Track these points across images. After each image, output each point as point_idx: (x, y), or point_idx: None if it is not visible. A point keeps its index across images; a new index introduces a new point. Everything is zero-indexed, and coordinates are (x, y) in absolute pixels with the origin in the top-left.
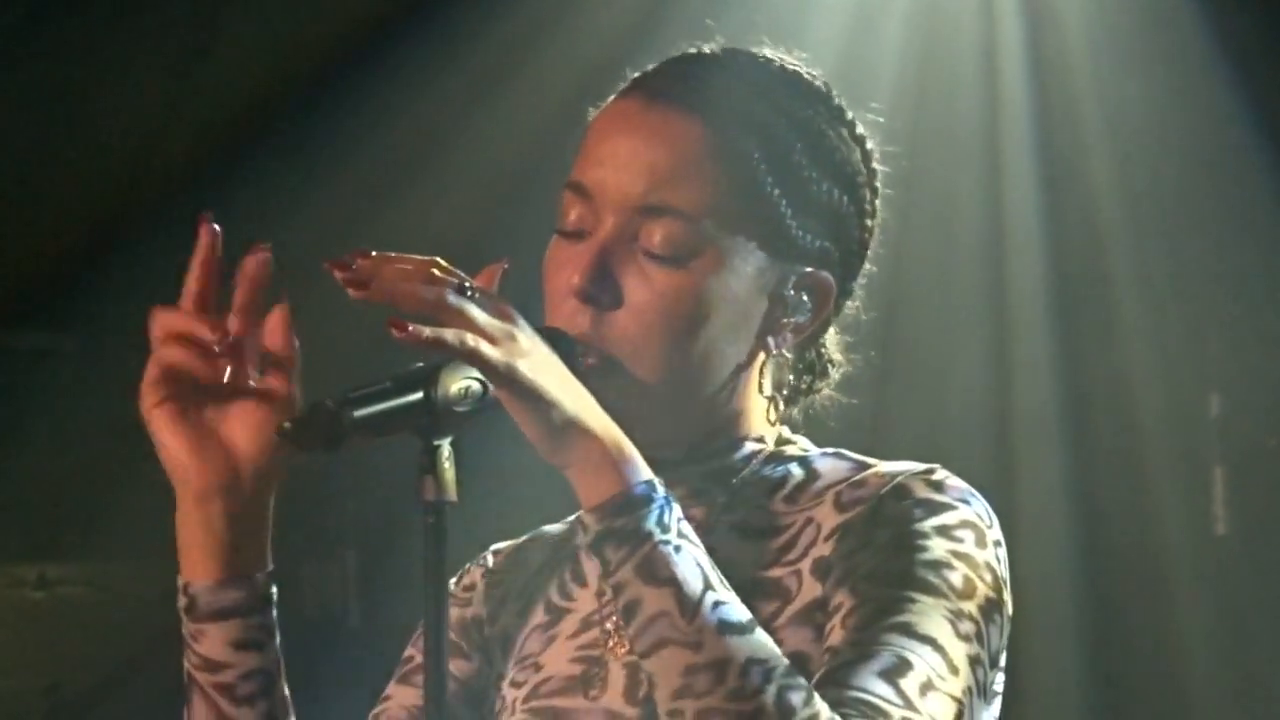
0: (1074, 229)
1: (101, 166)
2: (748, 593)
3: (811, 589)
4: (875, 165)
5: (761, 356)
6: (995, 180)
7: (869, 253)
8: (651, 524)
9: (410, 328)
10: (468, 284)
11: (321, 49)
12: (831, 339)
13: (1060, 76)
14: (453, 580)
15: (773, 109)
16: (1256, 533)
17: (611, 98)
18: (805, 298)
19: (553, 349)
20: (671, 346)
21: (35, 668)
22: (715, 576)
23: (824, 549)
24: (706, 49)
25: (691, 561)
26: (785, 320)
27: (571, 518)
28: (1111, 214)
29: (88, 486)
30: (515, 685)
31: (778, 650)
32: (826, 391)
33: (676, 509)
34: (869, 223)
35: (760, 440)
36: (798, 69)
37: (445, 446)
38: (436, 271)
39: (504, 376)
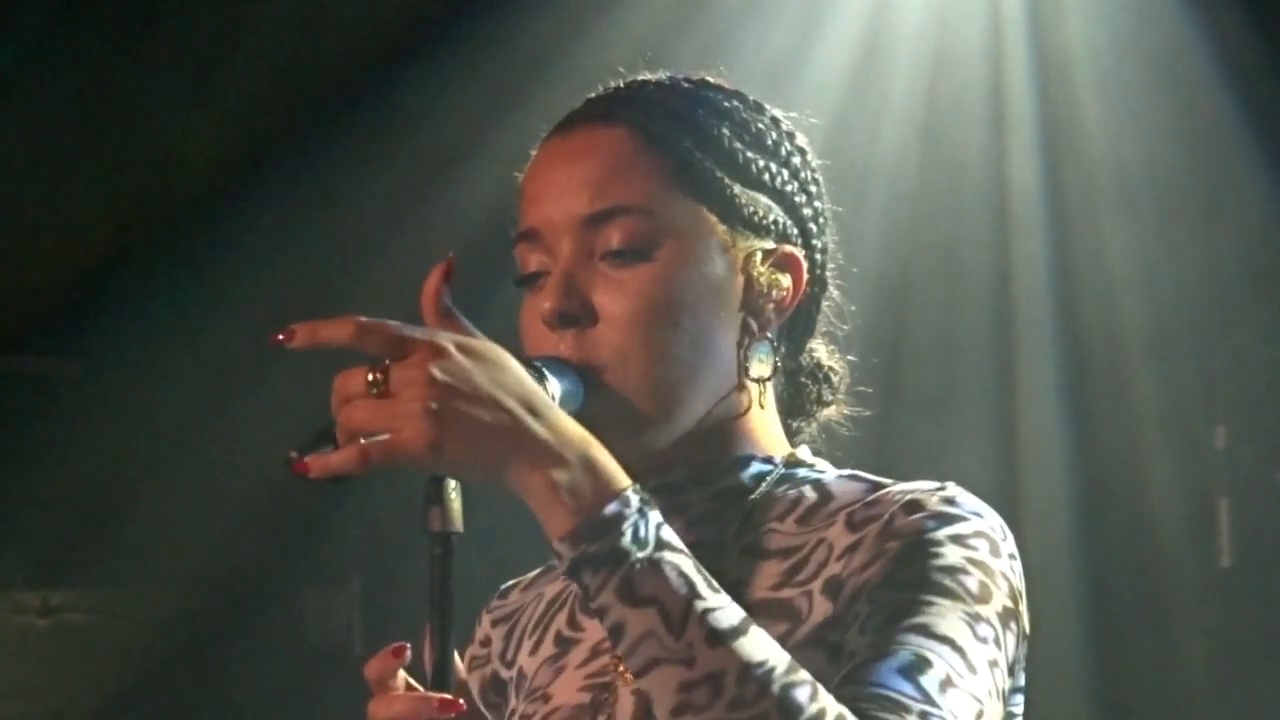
0: (1081, 258)
1: (108, 195)
2: (757, 613)
3: (822, 608)
4: (809, 155)
5: (746, 340)
6: (1003, 208)
7: (831, 243)
8: (626, 542)
9: (314, 467)
10: (376, 364)
11: (328, 79)
12: (823, 350)
13: (1068, 109)
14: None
15: (691, 103)
16: (1261, 565)
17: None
18: (778, 275)
19: (557, 376)
20: (658, 343)
21: (39, 694)
22: (701, 581)
23: (835, 568)
24: (612, 84)
25: (674, 573)
26: (765, 301)
27: None
28: (1119, 243)
29: (91, 513)
30: (524, 718)
31: (777, 647)
32: (837, 411)
33: (654, 516)
34: (819, 205)
35: (769, 461)
36: (705, 77)
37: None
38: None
39: (428, 466)
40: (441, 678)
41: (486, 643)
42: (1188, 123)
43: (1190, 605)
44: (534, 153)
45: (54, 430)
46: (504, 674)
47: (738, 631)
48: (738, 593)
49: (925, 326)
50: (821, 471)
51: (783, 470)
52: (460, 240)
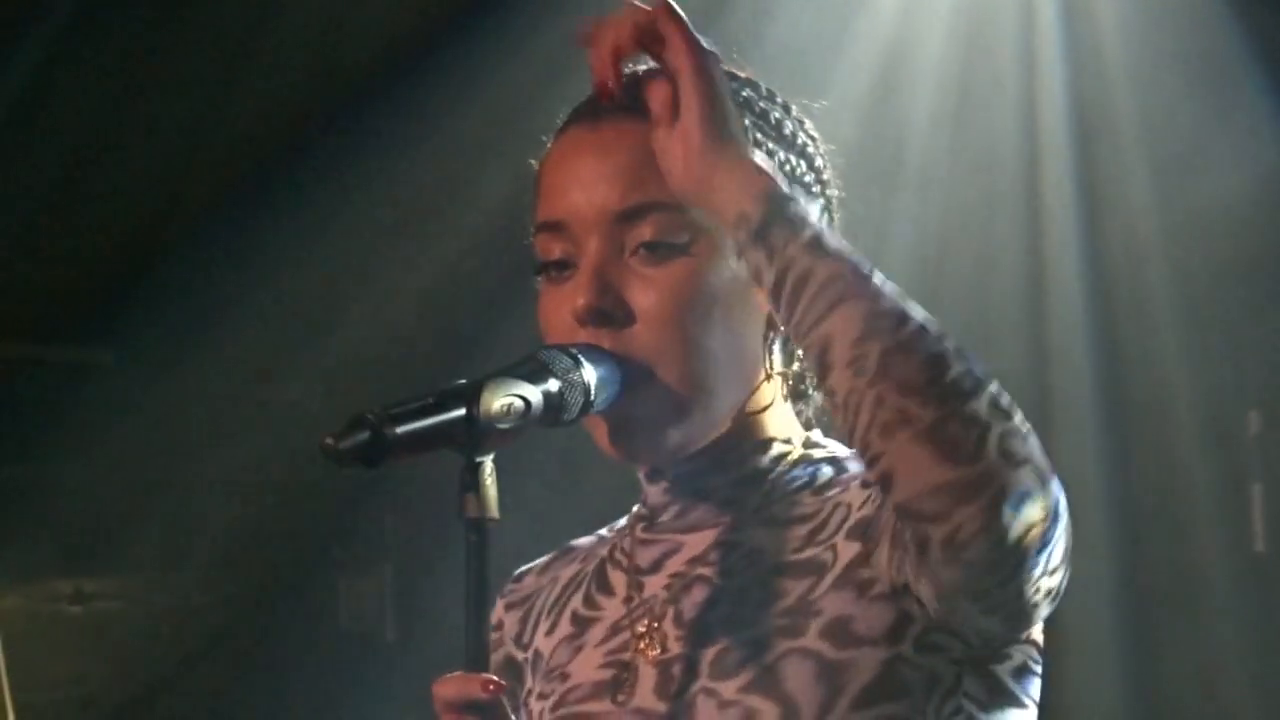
0: (1113, 245)
1: (137, 183)
2: (782, 574)
3: (849, 550)
4: (819, 141)
5: (771, 334)
6: (1034, 197)
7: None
8: (816, 214)
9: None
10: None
11: (357, 68)
12: None
13: (1100, 95)
14: None
15: None
16: None
17: (550, 139)
18: None
19: (594, 364)
20: (693, 342)
21: (72, 681)
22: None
23: (856, 516)
24: (632, 67)
25: (852, 250)
26: None
27: (602, 531)
28: (1151, 230)
29: (123, 501)
30: (542, 697)
31: None
32: None
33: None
34: (830, 194)
35: (788, 442)
36: (723, 65)
37: (487, 463)
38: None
39: (694, 57)
40: (477, 664)
41: (499, 626)
42: (1222, 107)
43: (1224, 590)
44: (552, 140)
45: (86, 418)
46: (518, 656)
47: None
48: (760, 559)
49: (956, 313)
50: (834, 452)
51: (800, 451)
52: (499, 223)
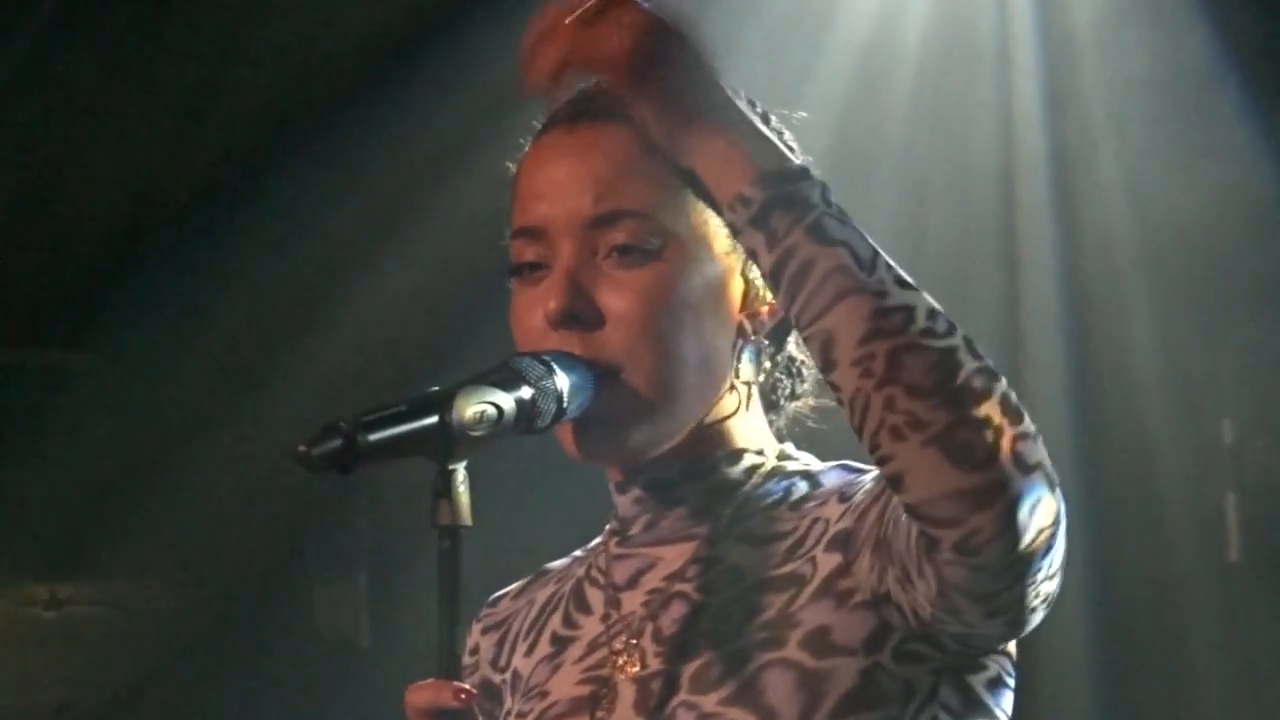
0: (1088, 255)
1: (116, 186)
2: (761, 591)
3: (828, 562)
4: (797, 151)
5: (740, 343)
6: (1009, 204)
7: None
8: (817, 196)
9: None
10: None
11: (338, 71)
12: (792, 343)
13: (1076, 101)
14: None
15: None
16: (1269, 560)
17: (528, 141)
18: None
19: (567, 371)
20: (662, 346)
21: (46, 686)
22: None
23: (834, 529)
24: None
25: (856, 232)
26: (760, 304)
27: (576, 553)
28: (1126, 239)
29: (99, 505)
30: (520, 716)
31: None
32: (805, 404)
33: (829, 190)
34: None
35: (760, 454)
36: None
37: (460, 470)
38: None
39: (628, 81)
40: (450, 671)
41: (475, 650)
42: (1199, 114)
43: (1198, 600)
44: (529, 143)
45: (63, 422)
46: (495, 679)
47: (919, 288)
48: (741, 576)
49: None
50: (808, 465)
51: (773, 463)
52: (469, 232)
